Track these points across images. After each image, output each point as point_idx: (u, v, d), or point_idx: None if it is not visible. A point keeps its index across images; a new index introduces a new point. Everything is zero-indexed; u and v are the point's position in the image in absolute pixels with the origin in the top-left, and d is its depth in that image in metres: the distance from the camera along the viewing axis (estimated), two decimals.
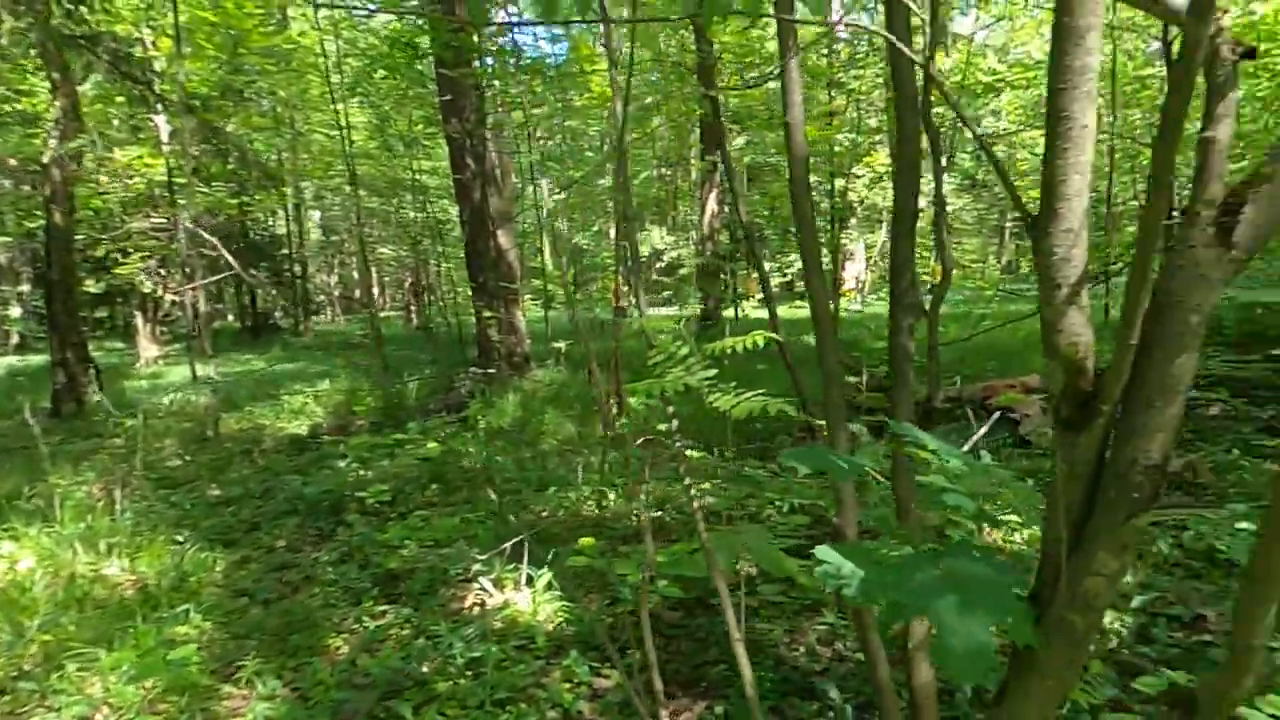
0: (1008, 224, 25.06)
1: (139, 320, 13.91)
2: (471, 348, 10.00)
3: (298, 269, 18.82)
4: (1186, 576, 3.00)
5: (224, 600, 3.13)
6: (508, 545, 3.12)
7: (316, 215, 24.70)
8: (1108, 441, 0.87)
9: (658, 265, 20.56)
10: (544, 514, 4.07)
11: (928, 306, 1.78)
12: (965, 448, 3.02)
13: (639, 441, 3.55)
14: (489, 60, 7.74)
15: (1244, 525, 2.81)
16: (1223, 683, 0.72)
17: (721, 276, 12.87)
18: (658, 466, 4.61)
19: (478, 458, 5.06)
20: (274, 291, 17.24)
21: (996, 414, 5.10)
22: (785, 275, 18.92)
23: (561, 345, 8.11)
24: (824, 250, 15.66)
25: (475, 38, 6.47)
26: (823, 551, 1.22)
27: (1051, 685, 0.95)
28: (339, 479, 4.73)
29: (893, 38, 1.47)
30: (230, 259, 7.28)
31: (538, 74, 8.57)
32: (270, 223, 19.22)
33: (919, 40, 1.88)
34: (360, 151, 11.97)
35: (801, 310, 13.95)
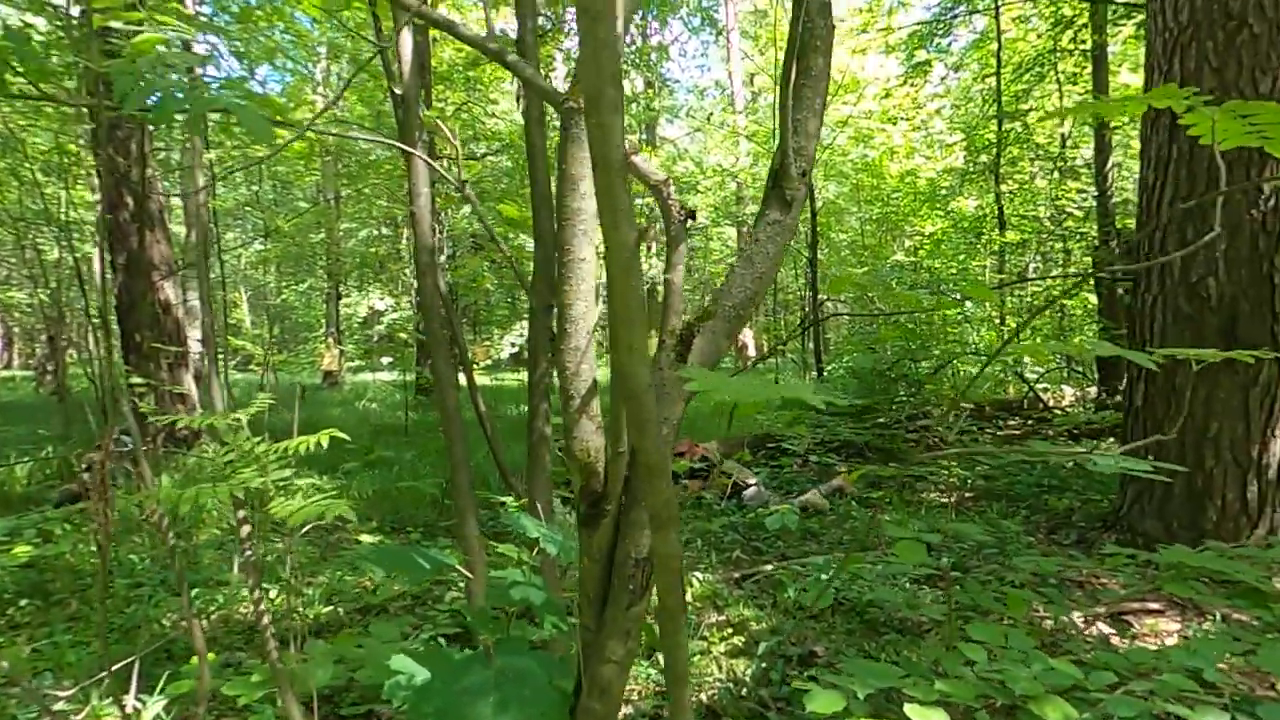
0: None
1: None
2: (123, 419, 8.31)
3: None
4: (807, 618, 3.52)
5: None
6: (105, 673, 2.53)
7: None
8: (617, 537, 0.97)
9: (377, 328, 19.46)
10: (182, 622, 3.42)
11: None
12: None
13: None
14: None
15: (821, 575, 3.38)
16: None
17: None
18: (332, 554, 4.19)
19: (91, 558, 4.12)
20: None
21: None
22: (514, 346, 19.17)
23: (241, 415, 7.12)
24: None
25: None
26: (396, 661, 1.17)
27: None
28: None
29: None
30: None
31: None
32: None
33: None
34: None
35: (518, 381, 14.17)
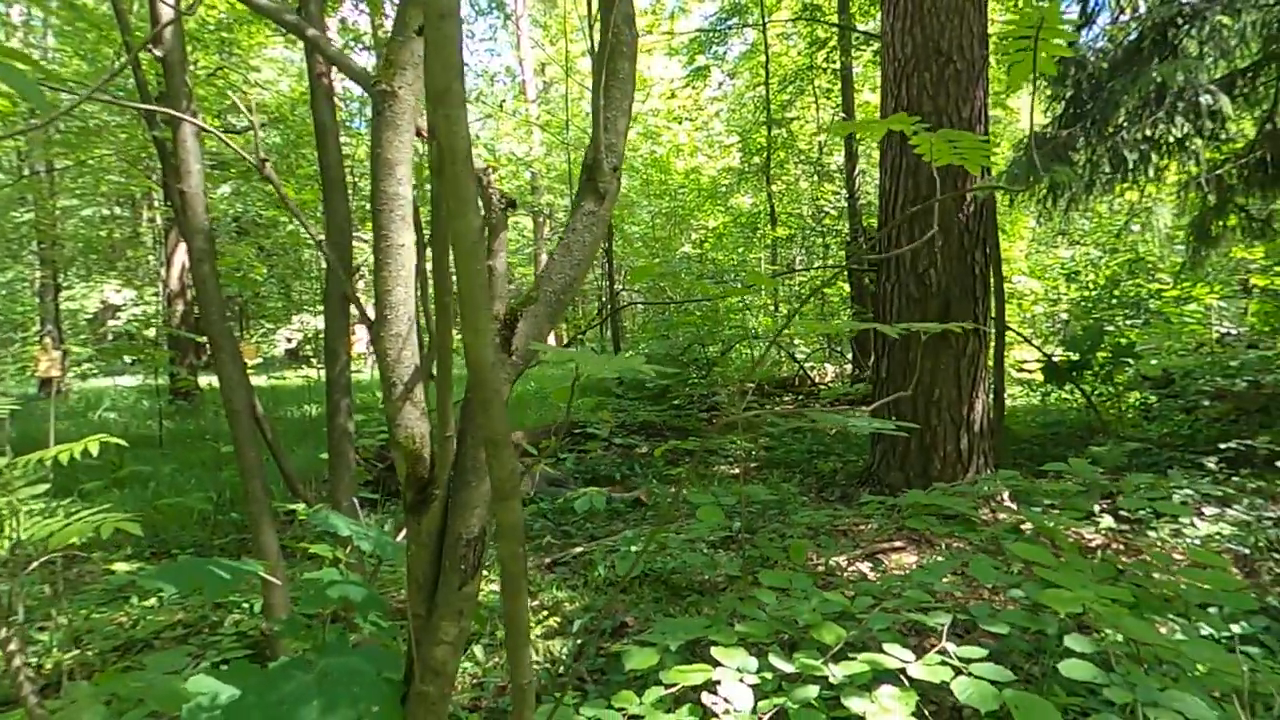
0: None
1: None
2: None
3: None
4: (619, 592, 3.69)
5: None
6: None
7: None
8: (446, 520, 0.98)
9: (112, 324, 16.60)
10: None
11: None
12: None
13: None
14: None
15: (634, 547, 3.59)
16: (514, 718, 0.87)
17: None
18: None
19: None
20: None
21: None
22: (290, 341, 17.42)
23: None
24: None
25: None
26: (197, 682, 1.07)
27: None
28: None
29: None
30: None
31: None
32: None
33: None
34: None
35: (301, 378, 12.95)
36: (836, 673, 1.46)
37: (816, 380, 10.09)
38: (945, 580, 2.05)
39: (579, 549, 4.43)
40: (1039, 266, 10.33)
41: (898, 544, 3.67)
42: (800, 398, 9.90)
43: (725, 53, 13.48)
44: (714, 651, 1.50)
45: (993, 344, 4.78)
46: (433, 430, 1.00)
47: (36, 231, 13.79)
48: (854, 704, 1.39)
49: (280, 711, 0.95)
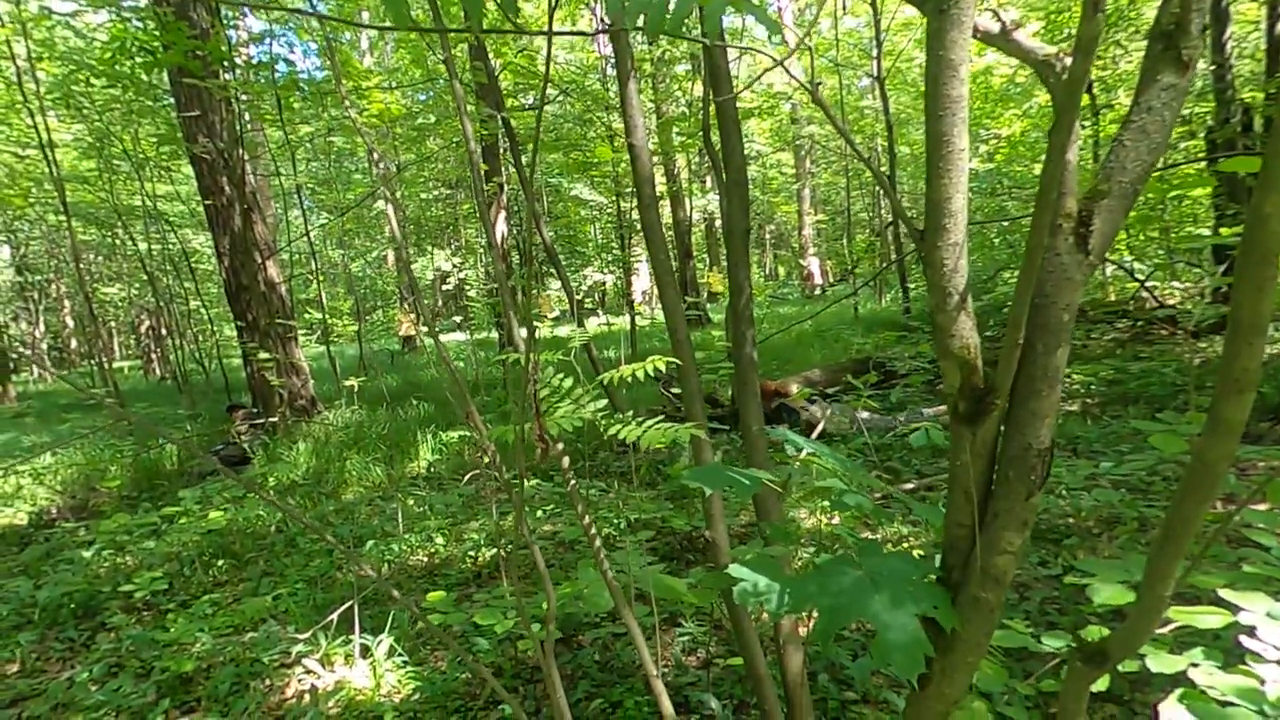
0: (767, 235, 27.90)
1: None
2: (241, 395, 8.78)
3: None
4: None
5: None
6: (333, 615, 2.74)
7: (5, 251, 20.21)
8: (1006, 430, 0.96)
9: (443, 288, 19.79)
10: (365, 572, 3.66)
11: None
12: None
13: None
14: (236, 73, 6.90)
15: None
16: (1130, 633, 0.83)
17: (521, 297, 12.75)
18: (486, 499, 4.39)
19: (270, 520, 4.42)
20: None
21: (782, 410, 5.60)
22: (577, 295, 19.29)
23: (353, 382, 7.43)
24: (618, 267, 16.18)
25: (225, 46, 5.71)
26: (737, 570, 1.21)
27: (971, 660, 1.03)
28: (87, 573, 3.85)
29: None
30: None
31: (294, 88, 7.79)
32: None
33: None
34: (71, 174, 9.98)
35: (599, 328, 14.26)
36: None
37: (1162, 301, 8.42)
38: None
39: (909, 485, 4.29)
40: None
41: None
42: (1137, 324, 8.37)
43: None
44: (1223, 593, 1.32)
45: None
46: (981, 340, 0.98)
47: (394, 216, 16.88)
48: None
49: (847, 600, 1.02)
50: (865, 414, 5.54)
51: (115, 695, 2.65)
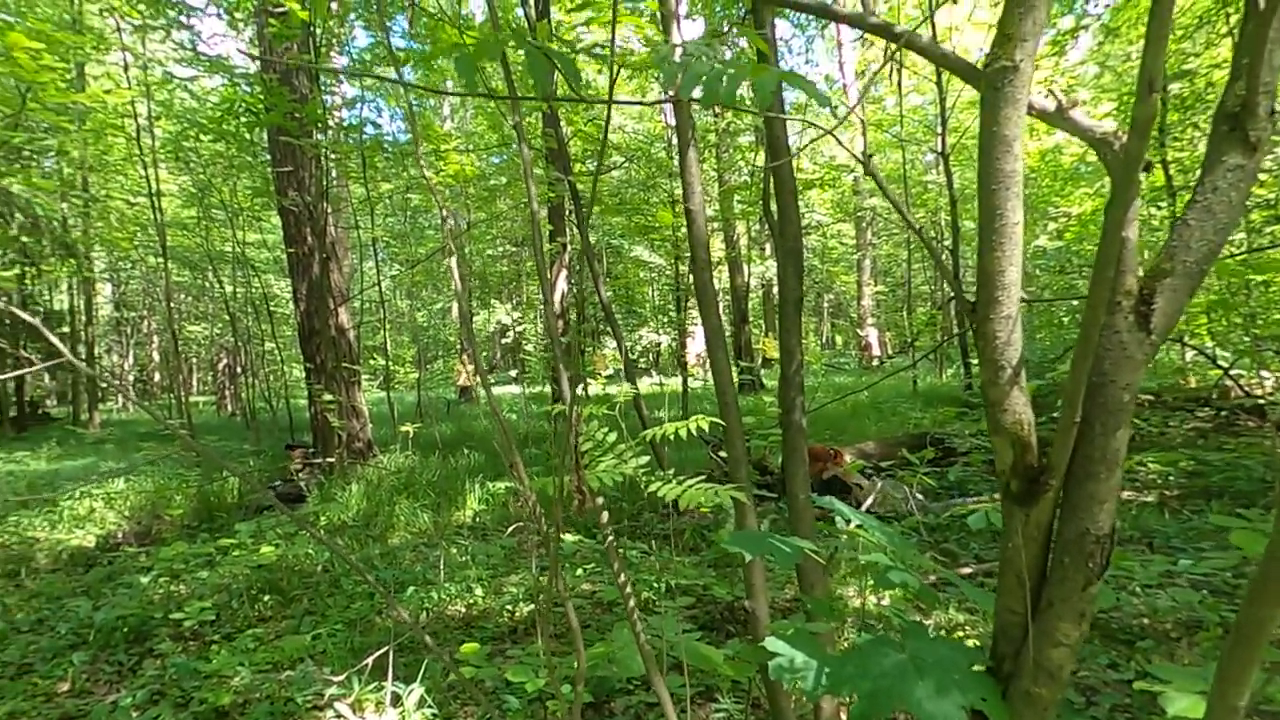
0: (825, 304, 27.76)
1: None
2: (303, 435, 9.09)
3: (82, 350, 16.33)
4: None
5: None
6: (369, 660, 2.74)
7: (108, 289, 21.82)
8: (1060, 513, 0.92)
9: (502, 341, 20.28)
10: (402, 618, 3.67)
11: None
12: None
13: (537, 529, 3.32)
14: (328, 134, 7.43)
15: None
16: None
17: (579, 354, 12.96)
18: (527, 553, 4.37)
19: (318, 559, 4.50)
20: (50, 376, 14.77)
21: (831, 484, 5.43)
22: (632, 355, 19.48)
23: (409, 428, 7.61)
24: (673, 329, 16.34)
25: (321, 109, 6.19)
26: (773, 644, 1.17)
27: None
28: (142, 598, 3.98)
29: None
30: (52, 338, 6.13)
31: (379, 149, 8.32)
32: (47, 296, 16.67)
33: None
34: (173, 220, 10.82)
35: (651, 388, 14.30)
36: None
37: (1249, 390, 7.92)
38: None
39: (967, 570, 4.07)
40: None
41: None
42: (1221, 413, 7.89)
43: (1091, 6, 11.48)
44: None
45: None
46: (1038, 418, 0.94)
47: (460, 271, 17.60)
48: None
49: (888, 684, 0.97)
50: (921, 495, 5.33)
51: None
